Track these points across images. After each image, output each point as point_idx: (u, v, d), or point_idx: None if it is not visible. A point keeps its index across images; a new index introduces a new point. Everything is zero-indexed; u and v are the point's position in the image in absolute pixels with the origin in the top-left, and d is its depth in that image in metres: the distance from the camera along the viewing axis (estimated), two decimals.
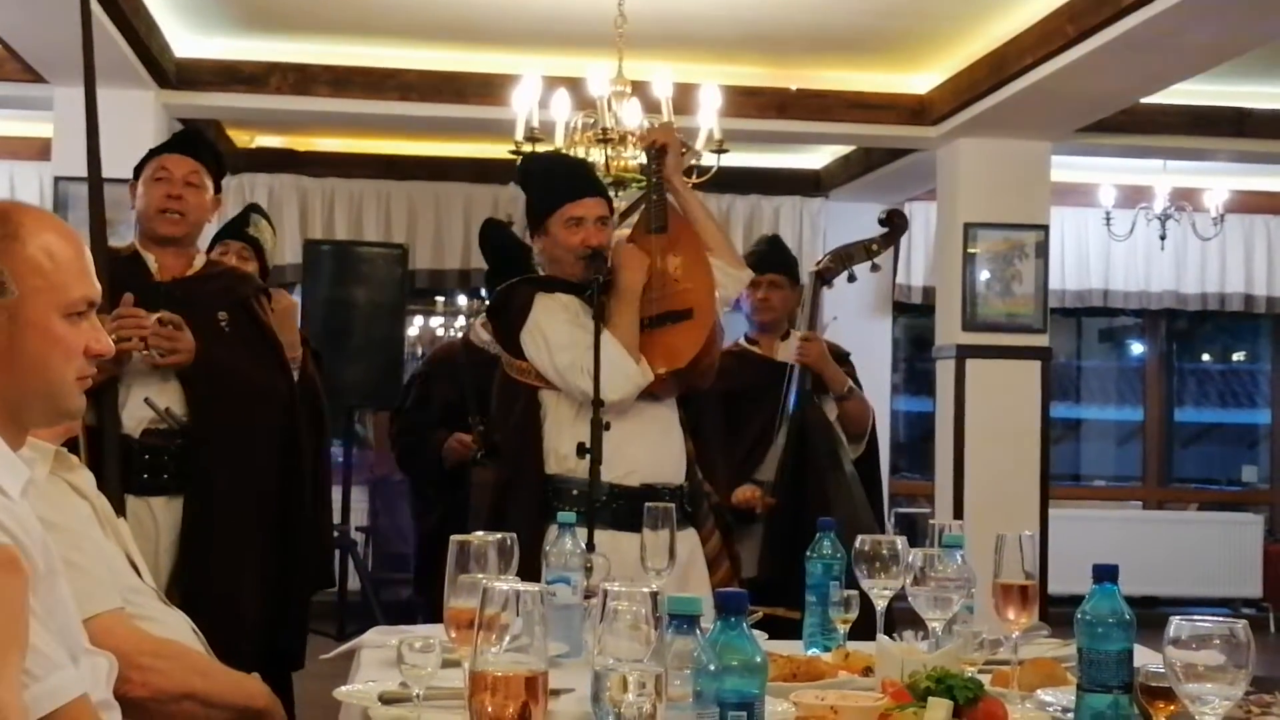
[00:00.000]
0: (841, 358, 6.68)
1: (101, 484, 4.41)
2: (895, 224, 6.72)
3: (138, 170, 5.18)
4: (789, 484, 6.24)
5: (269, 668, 4.53)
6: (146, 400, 4.80)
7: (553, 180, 5.12)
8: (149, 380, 4.84)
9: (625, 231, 5.54)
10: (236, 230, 6.34)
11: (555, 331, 4.89)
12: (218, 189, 5.23)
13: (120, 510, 4.51)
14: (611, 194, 5.81)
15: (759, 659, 2.28)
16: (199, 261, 5.18)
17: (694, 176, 6.32)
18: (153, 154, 5.22)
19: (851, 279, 6.62)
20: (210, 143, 5.48)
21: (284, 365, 5.27)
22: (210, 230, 6.39)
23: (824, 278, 6.50)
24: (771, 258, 6.54)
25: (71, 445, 3.77)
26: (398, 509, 10.99)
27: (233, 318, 5.08)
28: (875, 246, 6.62)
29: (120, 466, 4.66)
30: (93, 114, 4.79)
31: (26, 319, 2.40)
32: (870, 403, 6.66)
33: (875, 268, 6.67)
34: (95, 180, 4.80)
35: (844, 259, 6.58)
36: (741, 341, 6.79)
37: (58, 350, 2.47)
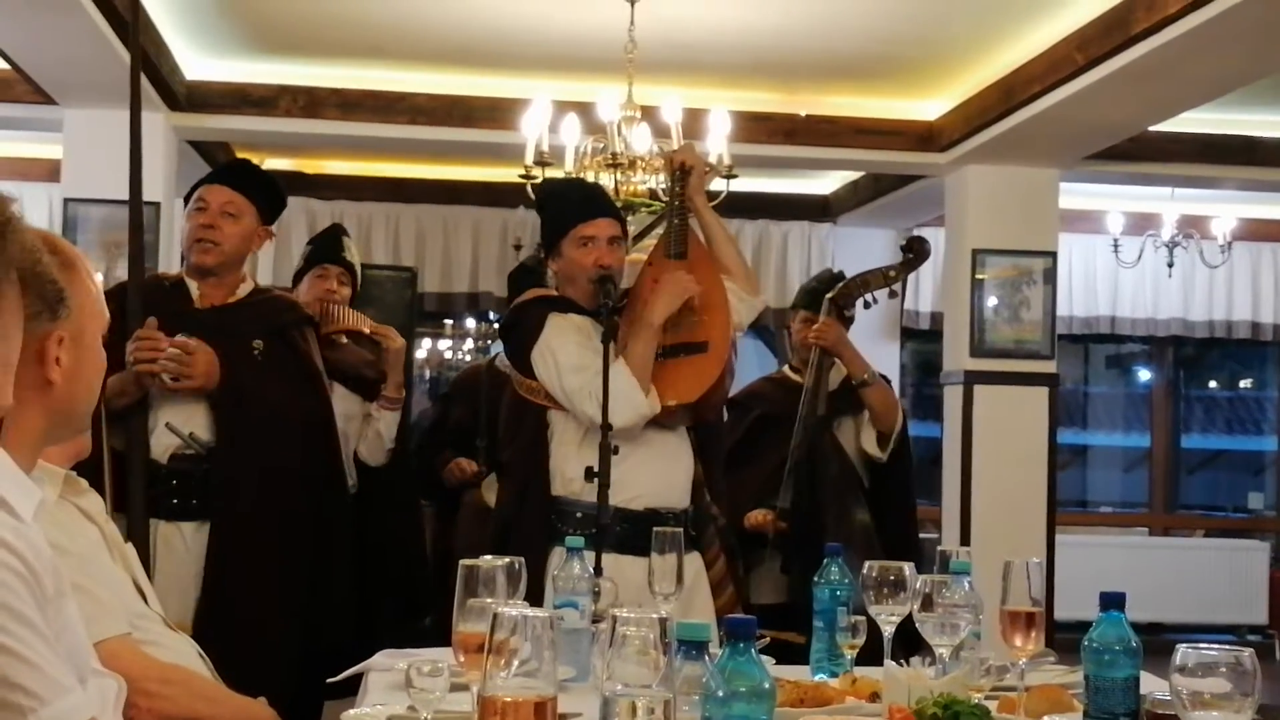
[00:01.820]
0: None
1: (126, 508, 4.45)
2: (917, 251, 6.67)
3: (186, 200, 5.25)
4: (801, 510, 6.23)
5: (303, 693, 4.56)
6: (168, 425, 4.83)
7: (566, 202, 5.14)
8: (177, 406, 4.87)
9: (638, 256, 5.55)
10: (334, 254, 6.39)
11: (566, 353, 4.90)
12: (268, 219, 5.28)
13: (142, 534, 4.54)
14: (624, 218, 5.82)
15: (767, 685, 2.28)
16: (243, 289, 5.22)
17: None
18: (198, 184, 5.28)
19: (868, 305, 6.60)
20: (258, 174, 5.49)
21: (322, 395, 5.27)
22: (294, 252, 6.43)
23: (839, 304, 6.48)
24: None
25: (96, 469, 3.78)
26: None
27: (268, 345, 5.09)
28: (894, 273, 6.59)
29: (145, 491, 4.68)
30: (137, 140, 4.82)
31: (85, 343, 2.52)
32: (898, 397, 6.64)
33: (893, 294, 6.64)
34: (136, 205, 4.84)
35: (861, 285, 6.55)
36: (785, 370, 6.81)
37: (101, 374, 2.61)
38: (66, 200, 8.57)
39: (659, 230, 5.57)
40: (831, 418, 6.38)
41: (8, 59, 7.60)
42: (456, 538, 6.92)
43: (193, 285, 5.14)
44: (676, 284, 4.97)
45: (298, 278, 6.38)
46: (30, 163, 10.76)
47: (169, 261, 7.69)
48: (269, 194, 5.31)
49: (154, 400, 4.83)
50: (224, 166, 5.58)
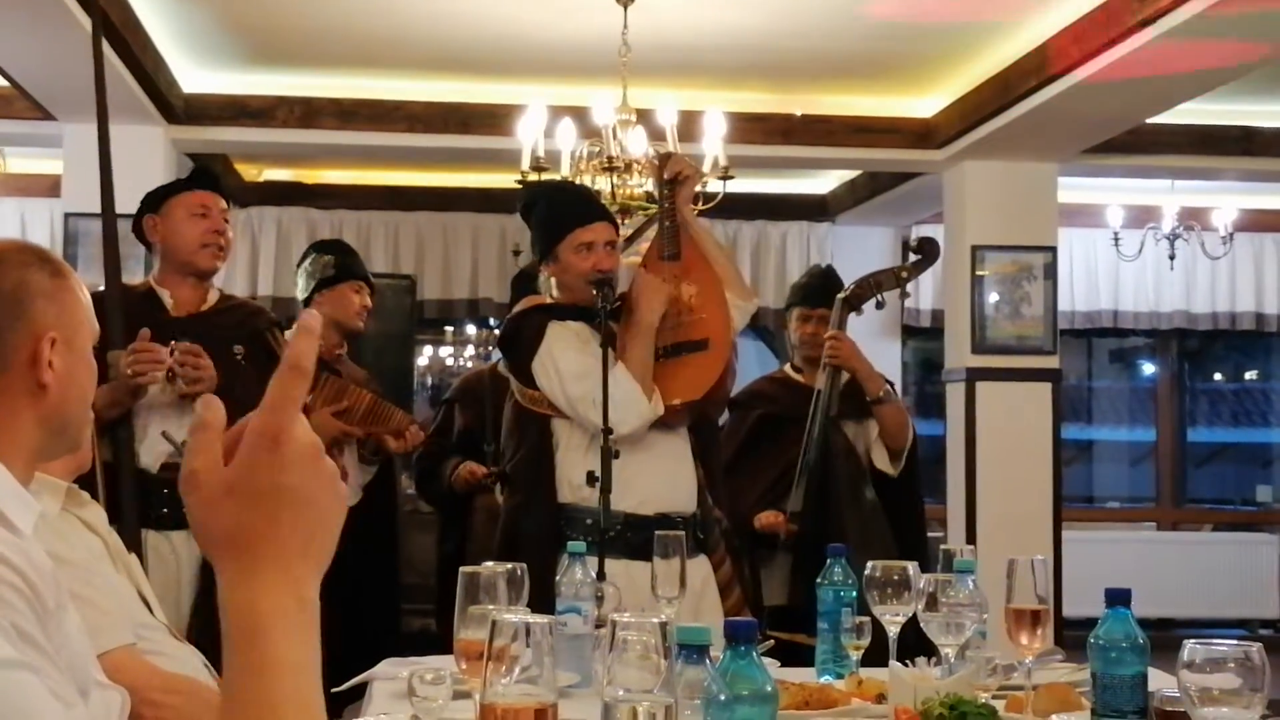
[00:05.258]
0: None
1: (118, 519, 4.45)
2: (927, 252, 6.67)
3: (154, 205, 5.23)
4: (813, 511, 6.22)
5: None
6: (164, 434, 4.84)
7: (560, 207, 5.14)
8: (167, 414, 4.90)
9: (634, 259, 5.55)
10: (364, 270, 6.73)
11: (567, 361, 4.90)
12: None
13: (136, 545, 4.54)
14: (617, 221, 5.82)
15: (769, 688, 2.27)
16: (213, 296, 5.27)
17: (699, 203, 6.32)
18: (173, 190, 5.32)
19: (879, 305, 6.59)
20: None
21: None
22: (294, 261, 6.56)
23: (852, 304, 6.47)
24: (825, 292, 6.53)
25: (89, 481, 3.78)
26: (408, 539, 10.99)
27: (248, 350, 5.15)
28: (906, 274, 6.59)
29: (137, 501, 4.70)
30: (106, 152, 4.84)
31: (78, 350, 2.49)
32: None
33: (904, 295, 6.65)
34: (109, 217, 4.85)
35: (873, 286, 6.54)
36: (786, 369, 6.80)
37: (94, 382, 2.58)
38: (67, 215, 8.56)
39: (650, 233, 5.58)
40: (839, 418, 6.37)
41: (5, 75, 7.59)
42: (471, 540, 6.95)
43: (164, 293, 5.18)
44: (651, 283, 5.00)
45: (319, 287, 6.46)
46: (31, 178, 10.75)
47: None
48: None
49: (140, 410, 4.86)
50: (205, 172, 5.60)
